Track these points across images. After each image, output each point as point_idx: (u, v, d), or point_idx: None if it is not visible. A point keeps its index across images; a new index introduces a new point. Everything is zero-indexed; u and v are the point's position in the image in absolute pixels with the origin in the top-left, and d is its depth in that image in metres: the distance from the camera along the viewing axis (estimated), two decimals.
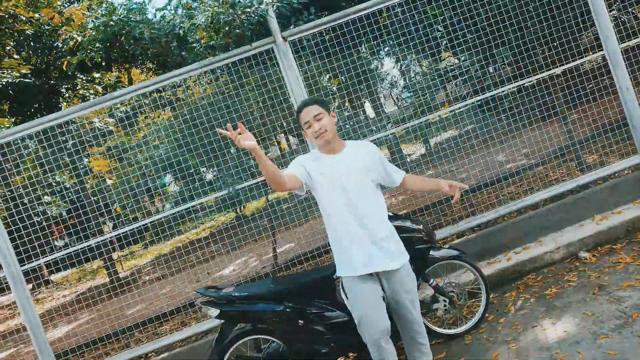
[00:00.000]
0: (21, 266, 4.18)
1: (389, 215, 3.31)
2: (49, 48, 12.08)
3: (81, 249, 4.41)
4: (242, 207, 12.05)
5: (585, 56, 4.42)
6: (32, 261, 4.21)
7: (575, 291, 3.44)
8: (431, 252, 3.38)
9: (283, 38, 4.21)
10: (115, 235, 4.44)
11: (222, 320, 3.24)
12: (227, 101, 4.13)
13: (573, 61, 4.42)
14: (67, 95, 12.68)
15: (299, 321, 3.11)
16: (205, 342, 4.17)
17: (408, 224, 3.29)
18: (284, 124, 4.44)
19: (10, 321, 10.76)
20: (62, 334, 7.39)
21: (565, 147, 5.28)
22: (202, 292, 3.27)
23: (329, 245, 2.86)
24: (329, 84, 4.44)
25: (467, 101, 4.42)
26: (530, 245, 4.32)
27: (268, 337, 3.32)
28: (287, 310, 3.10)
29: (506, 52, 4.38)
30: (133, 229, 4.34)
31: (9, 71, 9.89)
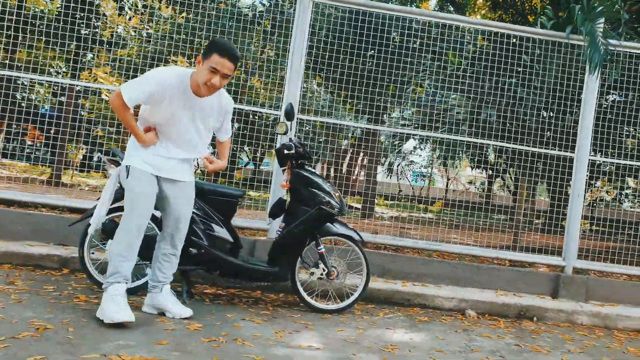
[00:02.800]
0: None
1: (315, 173, 3.42)
2: None
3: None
4: None
5: (556, 149, 4.63)
6: None
7: (442, 325, 3.49)
8: (335, 224, 3.44)
9: None
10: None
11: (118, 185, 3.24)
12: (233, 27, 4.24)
13: (545, 149, 4.64)
14: None
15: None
16: None
17: (328, 185, 3.38)
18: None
19: None
20: None
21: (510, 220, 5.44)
22: (114, 151, 3.29)
23: None
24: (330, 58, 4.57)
25: (441, 134, 4.61)
26: (429, 286, 4.39)
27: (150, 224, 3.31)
28: None
29: (492, 113, 4.59)
30: None
31: None
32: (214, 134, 3.06)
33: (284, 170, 3.46)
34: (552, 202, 5.38)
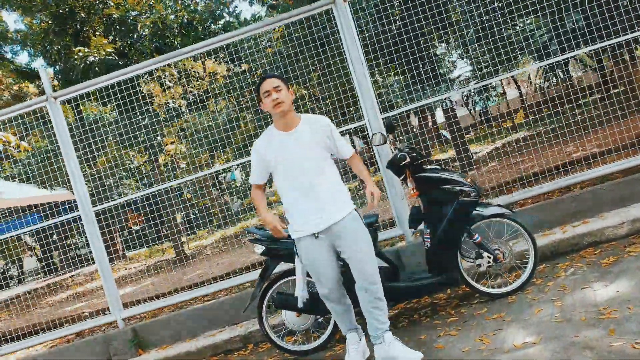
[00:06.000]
0: (93, 207, 4.60)
1: (436, 168, 3.32)
2: (132, 31, 12.96)
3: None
4: None
5: None
6: (103, 203, 4.65)
7: (635, 260, 3.22)
8: (478, 209, 3.31)
9: None
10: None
11: (267, 257, 3.39)
12: (285, 61, 4.26)
13: None
14: (145, 77, 13.52)
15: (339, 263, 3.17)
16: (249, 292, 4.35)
17: (455, 176, 3.26)
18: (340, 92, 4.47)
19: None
20: (128, 292, 8.04)
21: None
22: (250, 230, 3.44)
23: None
24: (386, 47, 4.43)
25: (533, 65, 4.26)
26: (590, 220, 4.08)
27: (309, 278, 3.41)
28: None
29: (577, 14, 4.16)
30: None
31: (96, 50, 10.77)
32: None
33: (403, 180, 3.39)
34: None
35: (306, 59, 4.31)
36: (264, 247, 3.32)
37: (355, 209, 2.91)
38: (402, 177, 3.36)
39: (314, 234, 2.81)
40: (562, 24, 4.18)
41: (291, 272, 3.43)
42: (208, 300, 4.84)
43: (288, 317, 3.40)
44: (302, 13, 4.35)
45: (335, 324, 3.37)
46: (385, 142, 3.44)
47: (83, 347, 4.55)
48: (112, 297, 4.55)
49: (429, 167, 3.33)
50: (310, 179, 2.81)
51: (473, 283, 3.33)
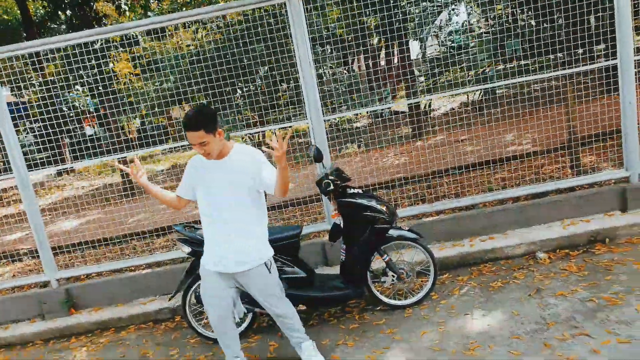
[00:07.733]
0: (29, 171, 4.61)
1: (358, 193, 3.58)
2: None
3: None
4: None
5: (595, 62, 4.35)
6: (39, 168, 4.67)
7: (516, 289, 3.72)
8: (390, 232, 3.65)
9: None
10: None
11: (194, 258, 3.64)
12: (234, 50, 4.23)
13: (584, 65, 4.38)
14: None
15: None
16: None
17: (373, 203, 3.54)
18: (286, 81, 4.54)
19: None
20: (69, 228, 8.12)
21: (566, 141, 5.28)
22: (178, 230, 3.65)
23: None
24: (335, 45, 4.47)
25: (471, 87, 4.48)
26: (496, 236, 4.55)
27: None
28: None
29: (517, 45, 4.34)
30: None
31: None
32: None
33: (328, 199, 3.65)
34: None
35: (255, 51, 4.30)
36: (190, 249, 3.56)
37: (266, 262, 2.92)
38: (328, 197, 3.62)
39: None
40: (502, 53, 4.37)
41: None
42: (143, 269, 5.09)
43: None
44: (256, 3, 4.28)
45: (253, 316, 3.76)
46: (322, 159, 3.63)
47: (14, 303, 4.76)
48: (47, 259, 4.72)
49: (351, 191, 3.58)
50: (227, 214, 2.79)
51: (379, 295, 3.76)
